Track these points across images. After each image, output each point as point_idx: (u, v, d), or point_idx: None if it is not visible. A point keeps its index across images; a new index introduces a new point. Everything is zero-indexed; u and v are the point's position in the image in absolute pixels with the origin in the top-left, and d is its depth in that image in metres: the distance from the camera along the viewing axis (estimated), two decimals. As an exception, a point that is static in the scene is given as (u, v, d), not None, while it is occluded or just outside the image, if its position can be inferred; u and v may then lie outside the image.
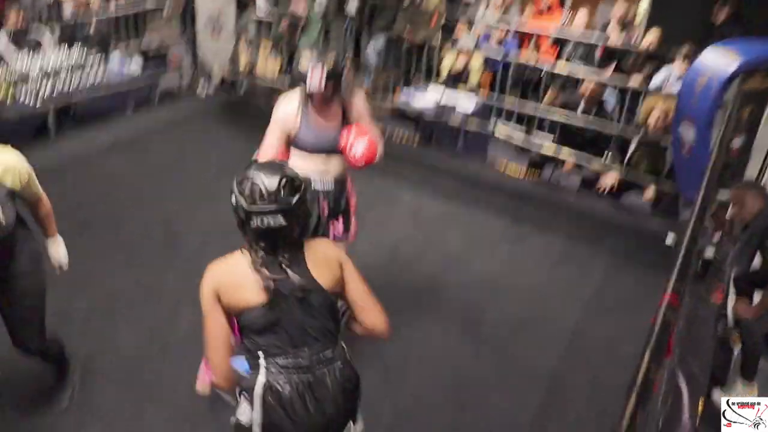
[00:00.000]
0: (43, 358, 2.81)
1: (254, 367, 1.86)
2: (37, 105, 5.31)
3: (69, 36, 6.13)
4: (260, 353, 1.85)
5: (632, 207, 5.06)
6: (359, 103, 3.00)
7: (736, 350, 3.92)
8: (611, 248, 4.52)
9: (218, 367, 1.86)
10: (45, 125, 5.55)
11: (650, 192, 4.97)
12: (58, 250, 2.75)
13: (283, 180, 1.79)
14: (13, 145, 2.46)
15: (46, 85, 5.46)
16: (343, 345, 1.95)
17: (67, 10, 7.09)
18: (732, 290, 3.88)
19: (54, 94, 5.50)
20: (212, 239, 3.97)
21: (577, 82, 6.20)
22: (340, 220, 3.11)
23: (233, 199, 1.81)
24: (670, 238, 4.59)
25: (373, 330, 1.97)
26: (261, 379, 1.83)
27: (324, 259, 1.91)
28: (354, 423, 2.03)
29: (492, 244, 4.45)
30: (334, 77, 2.77)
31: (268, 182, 1.78)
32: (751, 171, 4.39)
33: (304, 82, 2.77)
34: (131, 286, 3.73)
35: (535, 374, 3.33)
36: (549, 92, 5.50)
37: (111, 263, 3.93)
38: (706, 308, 3.67)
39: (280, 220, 1.78)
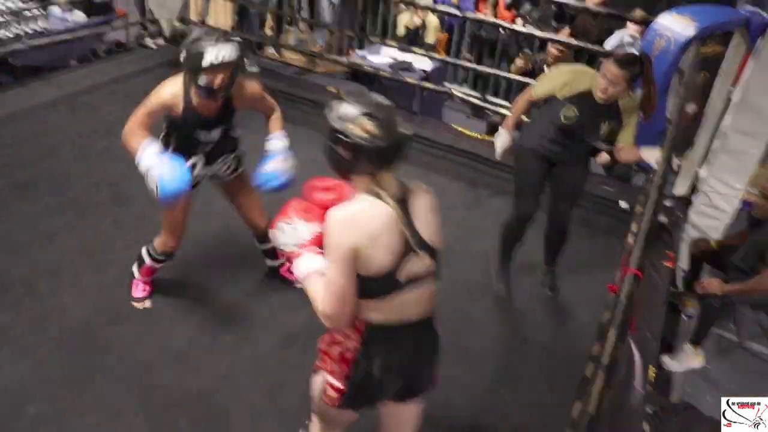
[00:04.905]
0: None
1: None
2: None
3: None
4: None
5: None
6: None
7: (684, 315, 4.02)
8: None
9: None
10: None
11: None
12: None
13: None
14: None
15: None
16: None
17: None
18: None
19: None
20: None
21: (532, 45, 6.19)
22: None
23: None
24: (623, 203, 4.65)
25: None
26: None
27: None
28: None
29: (447, 209, 4.41)
30: None
31: None
32: (703, 137, 4.43)
33: None
34: (77, 251, 3.59)
35: (491, 339, 3.34)
36: (518, 60, 5.42)
37: (55, 226, 3.76)
38: (657, 274, 3.74)
39: None
